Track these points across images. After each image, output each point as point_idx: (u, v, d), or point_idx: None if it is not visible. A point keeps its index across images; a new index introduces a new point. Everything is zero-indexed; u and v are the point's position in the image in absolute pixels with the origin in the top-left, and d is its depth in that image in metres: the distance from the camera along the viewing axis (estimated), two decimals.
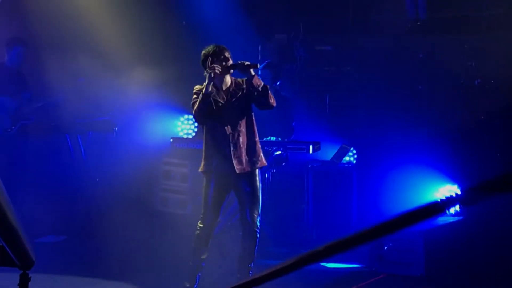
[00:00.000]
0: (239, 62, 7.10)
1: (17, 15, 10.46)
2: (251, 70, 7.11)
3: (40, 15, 10.37)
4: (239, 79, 7.30)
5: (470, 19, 10.10)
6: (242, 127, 7.20)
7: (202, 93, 7.06)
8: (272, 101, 7.20)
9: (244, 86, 7.23)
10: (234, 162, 7.13)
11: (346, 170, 9.55)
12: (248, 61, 7.11)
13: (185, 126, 10.72)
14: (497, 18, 9.95)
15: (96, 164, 10.06)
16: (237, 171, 7.13)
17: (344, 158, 9.65)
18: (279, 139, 9.18)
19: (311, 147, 8.72)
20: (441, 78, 9.94)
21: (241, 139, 7.17)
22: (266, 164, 7.40)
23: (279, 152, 9.00)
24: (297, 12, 11.54)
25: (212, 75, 7.04)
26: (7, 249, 2.98)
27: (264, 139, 9.16)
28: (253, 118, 7.30)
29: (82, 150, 9.70)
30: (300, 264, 1.73)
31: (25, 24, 10.43)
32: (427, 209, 1.61)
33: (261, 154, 7.31)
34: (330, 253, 1.72)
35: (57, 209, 9.84)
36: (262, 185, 7.41)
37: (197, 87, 7.20)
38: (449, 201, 1.58)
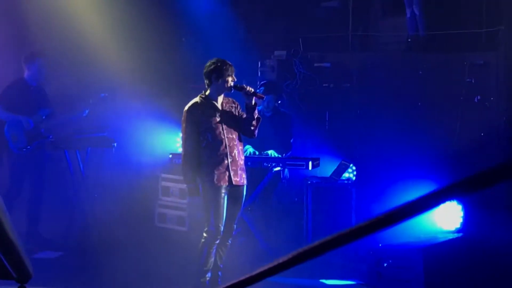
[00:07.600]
0: (248, 88, 7.26)
1: (27, 30, 10.37)
2: (254, 98, 7.30)
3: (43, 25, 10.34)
4: (229, 98, 7.43)
5: (469, 36, 10.11)
6: (237, 142, 7.36)
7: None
8: (256, 133, 7.40)
9: (234, 105, 7.40)
10: (232, 173, 7.22)
11: (346, 186, 9.51)
12: (245, 79, 7.27)
13: None
14: (497, 34, 9.96)
15: (95, 180, 10.01)
16: (234, 183, 7.22)
17: (343, 175, 9.62)
18: (277, 154, 9.15)
19: (310, 163, 8.70)
20: (440, 95, 9.93)
21: (236, 153, 7.30)
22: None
23: (278, 168, 8.97)
24: (296, 29, 11.55)
25: (229, 89, 7.24)
26: (4, 261, 2.96)
27: (263, 153, 9.16)
28: (241, 137, 7.49)
29: (81, 165, 9.64)
30: (295, 261, 1.70)
31: (36, 38, 10.35)
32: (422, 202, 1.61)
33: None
34: (325, 249, 1.70)
35: (54, 225, 9.79)
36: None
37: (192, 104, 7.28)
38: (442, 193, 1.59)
